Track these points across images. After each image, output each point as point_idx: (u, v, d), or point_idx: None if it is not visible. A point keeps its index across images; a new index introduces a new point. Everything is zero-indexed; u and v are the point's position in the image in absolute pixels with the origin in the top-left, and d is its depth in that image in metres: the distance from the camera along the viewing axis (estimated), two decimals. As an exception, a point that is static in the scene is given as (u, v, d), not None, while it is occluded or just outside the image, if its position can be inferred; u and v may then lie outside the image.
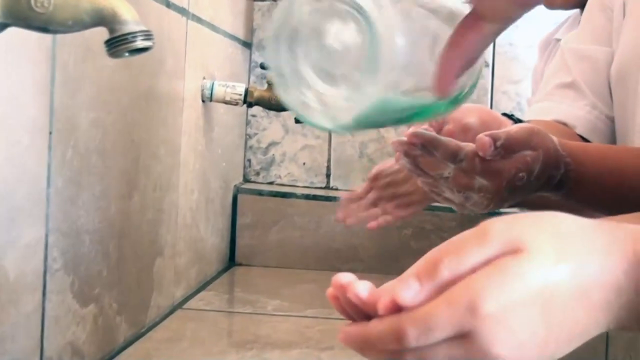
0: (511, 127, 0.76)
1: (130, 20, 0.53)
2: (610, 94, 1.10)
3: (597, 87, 1.11)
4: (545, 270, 0.44)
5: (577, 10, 1.39)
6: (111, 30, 0.53)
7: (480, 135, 0.74)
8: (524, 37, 1.64)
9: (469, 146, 0.74)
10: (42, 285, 0.76)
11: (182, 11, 1.14)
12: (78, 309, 0.84)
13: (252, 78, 1.66)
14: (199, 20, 1.23)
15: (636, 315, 0.46)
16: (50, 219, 0.76)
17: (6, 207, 0.69)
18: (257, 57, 1.66)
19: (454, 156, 0.75)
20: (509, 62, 1.64)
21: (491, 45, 1.64)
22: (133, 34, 0.53)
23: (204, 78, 1.27)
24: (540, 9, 1.64)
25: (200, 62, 1.25)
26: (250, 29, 1.66)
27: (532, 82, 1.56)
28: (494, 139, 0.73)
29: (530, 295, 0.44)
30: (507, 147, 0.73)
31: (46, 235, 0.76)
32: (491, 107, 1.64)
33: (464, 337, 0.43)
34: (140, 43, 0.53)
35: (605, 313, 0.46)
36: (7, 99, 0.68)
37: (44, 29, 0.52)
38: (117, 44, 0.53)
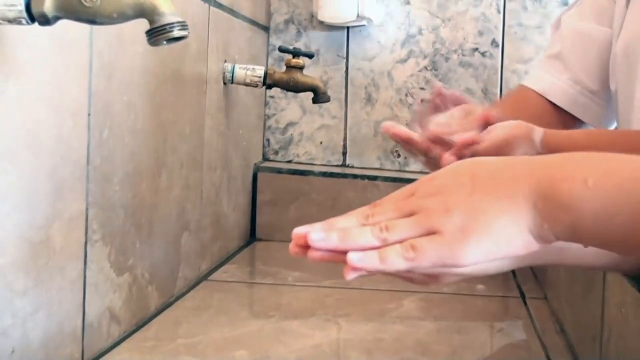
0: (485, 140, 0.87)
1: (168, 12, 0.59)
2: (599, 71, 1.16)
3: (586, 63, 1.17)
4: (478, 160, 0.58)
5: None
6: (151, 22, 0.59)
7: (447, 156, 0.87)
8: (533, 18, 1.68)
9: (437, 149, 0.89)
10: (83, 254, 0.82)
11: (205, -2, 1.19)
12: (115, 278, 0.91)
13: (270, 60, 1.71)
14: (219, 6, 1.28)
15: (551, 211, 0.52)
16: (89, 194, 0.83)
17: (54, 183, 0.75)
18: (275, 41, 1.71)
19: (425, 154, 0.90)
20: (519, 41, 1.68)
21: (501, 25, 1.68)
22: (171, 25, 0.59)
23: (225, 61, 1.32)
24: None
25: (221, 46, 1.30)
26: (268, 13, 1.71)
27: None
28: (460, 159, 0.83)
29: (463, 167, 0.57)
30: None
31: (86, 209, 0.82)
32: (501, 86, 1.69)
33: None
34: (177, 33, 0.59)
35: (529, 187, 0.53)
36: (55, 84, 0.74)
37: (91, 21, 0.58)
38: (157, 34, 0.59)
